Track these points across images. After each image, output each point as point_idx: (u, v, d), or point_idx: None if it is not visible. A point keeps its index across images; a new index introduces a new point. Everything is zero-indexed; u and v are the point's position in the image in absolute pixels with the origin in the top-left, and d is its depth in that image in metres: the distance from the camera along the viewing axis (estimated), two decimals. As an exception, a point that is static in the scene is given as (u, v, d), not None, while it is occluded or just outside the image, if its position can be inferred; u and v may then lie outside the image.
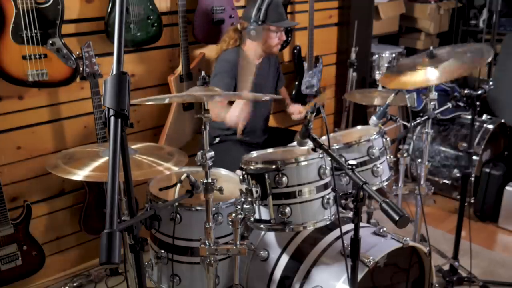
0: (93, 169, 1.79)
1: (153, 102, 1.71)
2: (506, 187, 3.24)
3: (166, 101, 1.87)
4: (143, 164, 1.85)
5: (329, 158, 1.74)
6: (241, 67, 2.67)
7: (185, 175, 1.81)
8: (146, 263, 2.07)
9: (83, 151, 2.11)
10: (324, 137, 1.93)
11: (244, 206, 1.80)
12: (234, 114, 2.54)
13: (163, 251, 2.01)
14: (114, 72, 1.09)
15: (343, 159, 1.98)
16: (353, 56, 3.65)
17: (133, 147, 2.02)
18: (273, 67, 2.90)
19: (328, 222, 1.79)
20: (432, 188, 2.52)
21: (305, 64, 3.51)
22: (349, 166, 1.54)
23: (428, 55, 2.39)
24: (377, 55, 4.04)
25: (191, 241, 1.96)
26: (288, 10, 3.39)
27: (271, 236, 2.04)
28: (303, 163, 1.75)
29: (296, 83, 3.51)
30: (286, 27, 2.78)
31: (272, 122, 3.54)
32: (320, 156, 1.78)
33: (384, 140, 2.14)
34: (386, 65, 3.91)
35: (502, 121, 3.56)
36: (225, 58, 2.72)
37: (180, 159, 1.92)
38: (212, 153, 1.68)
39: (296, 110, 3.02)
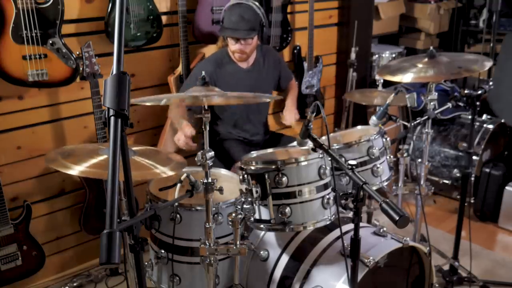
0: (90, 165, 1.77)
1: (152, 103, 1.71)
2: (506, 187, 3.24)
3: (163, 103, 1.84)
4: (140, 166, 1.83)
5: (329, 158, 1.74)
6: (221, 68, 2.66)
7: (185, 175, 1.81)
8: (146, 263, 2.06)
9: (83, 148, 2.09)
10: (324, 137, 1.94)
11: (244, 206, 1.80)
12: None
13: (163, 251, 2.01)
14: (114, 72, 1.09)
15: (343, 159, 1.98)
16: (353, 56, 3.65)
17: (133, 148, 2.01)
18: (271, 68, 2.87)
19: (328, 222, 1.79)
20: (432, 188, 2.52)
21: (305, 64, 3.51)
22: (349, 166, 1.54)
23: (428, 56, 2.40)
24: (377, 55, 4.04)
25: (191, 241, 1.97)
26: (288, 10, 3.39)
27: (271, 236, 2.04)
28: (303, 163, 1.75)
29: (297, 83, 3.51)
30: (230, 36, 2.58)
31: (271, 122, 3.54)
32: (320, 156, 1.78)
33: (384, 140, 2.13)
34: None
35: (502, 121, 3.56)
36: (205, 60, 2.73)
37: (178, 163, 1.90)
38: (212, 153, 1.68)
39: (288, 122, 2.95)
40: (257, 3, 2.60)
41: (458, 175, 3.50)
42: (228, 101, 1.87)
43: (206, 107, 1.67)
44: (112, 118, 1.07)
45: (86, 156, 1.84)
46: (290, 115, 2.96)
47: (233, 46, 2.61)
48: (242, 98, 1.83)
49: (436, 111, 2.36)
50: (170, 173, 1.81)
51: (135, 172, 1.72)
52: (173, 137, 2.81)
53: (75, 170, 1.73)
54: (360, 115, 3.85)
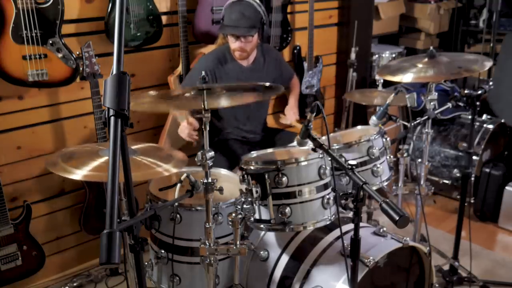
0: (92, 169, 1.77)
1: (151, 111, 1.71)
2: (506, 187, 3.24)
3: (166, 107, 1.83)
4: (142, 166, 1.83)
5: (329, 158, 1.74)
6: (222, 65, 2.66)
7: (185, 175, 1.81)
8: (146, 263, 2.06)
9: (83, 149, 2.09)
10: (324, 137, 1.93)
11: (244, 206, 1.80)
12: (182, 126, 2.60)
13: (163, 251, 2.01)
14: (114, 72, 1.09)
15: (343, 159, 1.98)
16: (353, 56, 3.65)
17: (133, 147, 2.01)
18: (271, 67, 2.87)
19: (328, 222, 1.79)
20: (432, 188, 2.52)
21: (305, 64, 3.51)
22: (349, 166, 1.54)
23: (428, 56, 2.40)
24: (377, 55, 4.04)
25: (191, 241, 1.97)
26: (288, 10, 3.39)
27: (271, 236, 2.04)
28: (303, 163, 1.75)
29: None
30: (230, 33, 2.59)
31: (271, 122, 3.54)
32: (320, 156, 1.78)
33: (384, 140, 2.13)
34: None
35: (502, 121, 3.56)
36: (206, 56, 2.74)
37: (179, 161, 1.91)
38: (212, 153, 1.68)
39: (289, 121, 2.97)
40: (257, 1, 2.60)
41: (458, 175, 3.50)
42: (229, 103, 1.87)
43: (206, 108, 1.67)
44: (112, 118, 1.07)
45: (87, 159, 1.84)
46: (291, 113, 2.97)
47: (233, 44, 2.60)
48: (243, 99, 1.82)
49: (436, 111, 2.36)
50: (173, 170, 1.80)
51: (137, 172, 1.72)
52: (172, 138, 2.82)
53: (78, 175, 1.73)
54: (360, 115, 3.85)
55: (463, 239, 2.66)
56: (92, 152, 1.94)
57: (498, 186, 3.28)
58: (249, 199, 1.79)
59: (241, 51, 2.62)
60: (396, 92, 2.29)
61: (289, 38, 3.38)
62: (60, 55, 2.32)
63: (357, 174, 1.52)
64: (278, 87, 1.83)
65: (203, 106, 1.66)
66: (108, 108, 1.07)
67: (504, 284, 2.68)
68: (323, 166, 1.78)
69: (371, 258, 1.75)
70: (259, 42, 2.72)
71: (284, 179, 1.72)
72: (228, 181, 2.19)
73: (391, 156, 2.19)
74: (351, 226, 1.61)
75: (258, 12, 2.56)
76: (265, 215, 1.77)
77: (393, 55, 4.08)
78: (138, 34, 2.62)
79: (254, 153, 2.02)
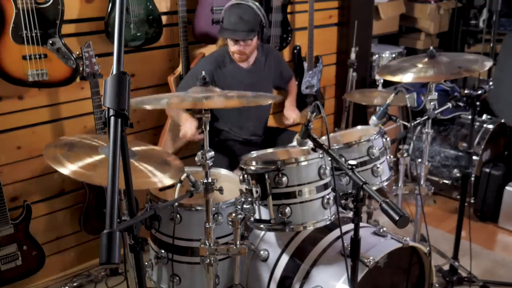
0: (83, 166, 1.69)
1: (152, 107, 1.70)
2: (506, 187, 3.24)
3: (162, 103, 1.81)
4: (138, 171, 1.77)
5: (329, 158, 1.74)
6: (222, 68, 2.66)
7: (185, 175, 1.81)
8: (146, 263, 2.06)
9: (83, 143, 2.01)
10: (324, 137, 1.94)
11: (244, 206, 1.80)
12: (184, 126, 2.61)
13: (163, 251, 2.01)
14: (114, 72, 1.09)
15: (343, 159, 1.98)
16: (353, 56, 3.65)
17: (133, 149, 1.98)
18: (272, 67, 2.87)
19: (328, 222, 1.79)
20: (432, 188, 2.52)
21: (305, 64, 3.51)
22: (349, 166, 1.54)
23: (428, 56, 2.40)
24: (377, 55, 4.04)
25: (191, 241, 1.97)
26: (288, 10, 3.39)
27: (271, 236, 2.04)
28: (303, 163, 1.75)
29: (296, 83, 3.51)
30: (227, 37, 2.61)
31: (272, 122, 3.54)
32: (320, 156, 1.78)
33: (384, 140, 2.14)
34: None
35: (502, 121, 3.56)
36: (205, 58, 2.75)
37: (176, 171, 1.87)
38: (212, 153, 1.68)
39: (291, 119, 2.97)
40: (257, 3, 2.59)
41: (458, 175, 3.50)
42: (229, 104, 1.87)
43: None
44: (112, 118, 1.07)
45: (84, 153, 1.78)
46: (291, 112, 2.97)
47: (232, 47, 2.60)
48: (243, 100, 1.82)
49: (436, 111, 2.36)
50: (168, 181, 1.75)
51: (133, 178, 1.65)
52: (172, 138, 2.82)
53: (67, 169, 1.64)
54: (360, 115, 3.85)
55: (463, 239, 2.66)
56: (91, 147, 1.88)
57: (498, 186, 3.28)
58: (249, 199, 1.79)
59: (240, 54, 2.62)
60: (396, 92, 2.29)
61: (289, 38, 3.38)
62: (60, 55, 2.32)
63: (357, 174, 1.52)
64: (276, 97, 1.83)
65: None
66: (108, 108, 1.07)
67: (504, 284, 2.68)
68: (323, 166, 1.78)
69: (371, 258, 1.76)
70: (259, 43, 2.71)
71: (284, 179, 1.72)
72: (228, 181, 2.19)
73: (391, 156, 2.19)
74: (351, 226, 1.61)
75: (257, 15, 2.56)
76: (265, 215, 1.78)
77: (393, 55, 4.08)
78: (138, 34, 2.62)
79: (254, 153, 2.02)
